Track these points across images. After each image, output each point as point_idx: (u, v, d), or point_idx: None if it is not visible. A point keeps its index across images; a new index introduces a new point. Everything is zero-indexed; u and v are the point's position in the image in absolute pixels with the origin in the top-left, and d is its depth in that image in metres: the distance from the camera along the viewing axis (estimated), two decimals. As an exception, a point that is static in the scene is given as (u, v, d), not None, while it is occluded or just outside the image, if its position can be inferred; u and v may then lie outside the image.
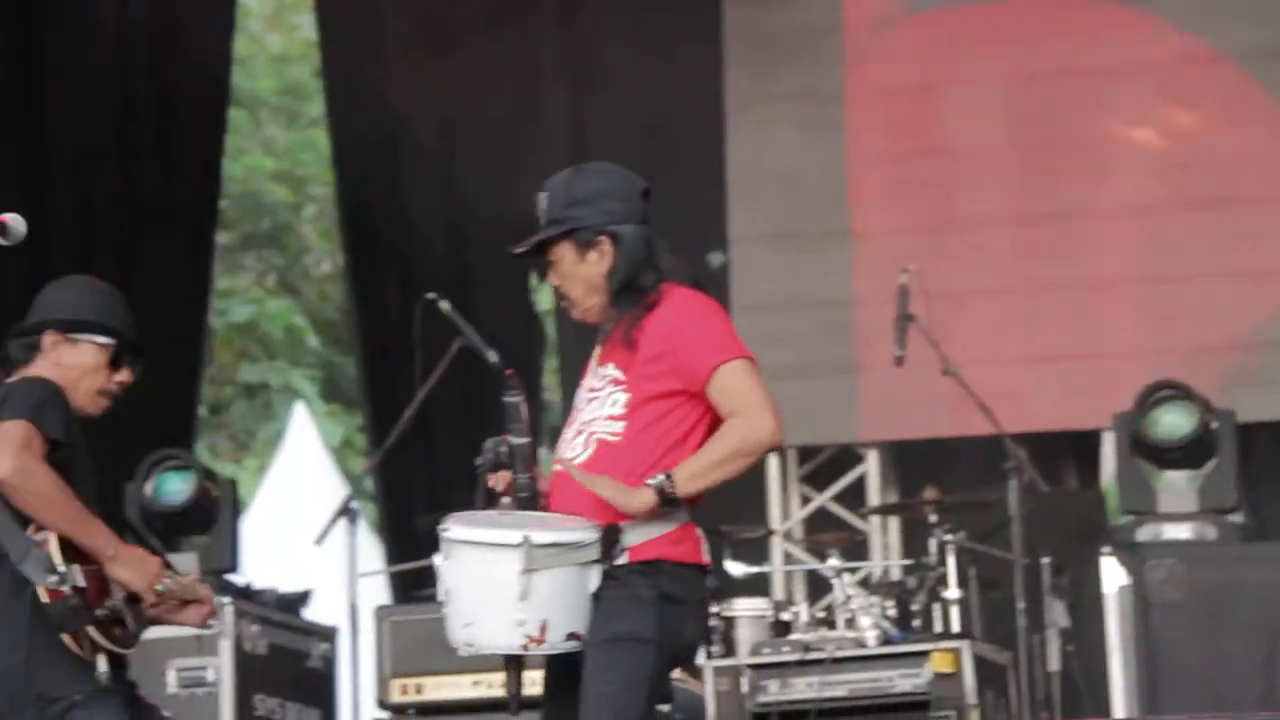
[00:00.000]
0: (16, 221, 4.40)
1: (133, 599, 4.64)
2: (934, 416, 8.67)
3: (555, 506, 4.53)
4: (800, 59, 9.20)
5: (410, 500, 9.42)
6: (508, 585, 4.29)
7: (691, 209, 8.62)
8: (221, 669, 7.11)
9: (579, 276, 4.60)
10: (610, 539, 4.42)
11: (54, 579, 4.49)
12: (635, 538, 4.44)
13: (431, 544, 6.28)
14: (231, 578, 7.55)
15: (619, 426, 4.50)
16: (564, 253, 4.60)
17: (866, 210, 9.12)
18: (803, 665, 6.62)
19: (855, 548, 8.16)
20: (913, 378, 7.48)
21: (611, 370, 4.56)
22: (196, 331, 9.74)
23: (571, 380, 9.70)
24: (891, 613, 7.14)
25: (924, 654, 6.54)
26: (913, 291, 7.15)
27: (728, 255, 9.13)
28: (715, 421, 4.49)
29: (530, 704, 4.52)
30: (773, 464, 9.23)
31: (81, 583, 4.52)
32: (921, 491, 7.63)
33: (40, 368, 4.77)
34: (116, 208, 9.44)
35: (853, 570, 7.35)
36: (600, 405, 4.55)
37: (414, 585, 8.07)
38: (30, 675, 4.55)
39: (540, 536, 4.32)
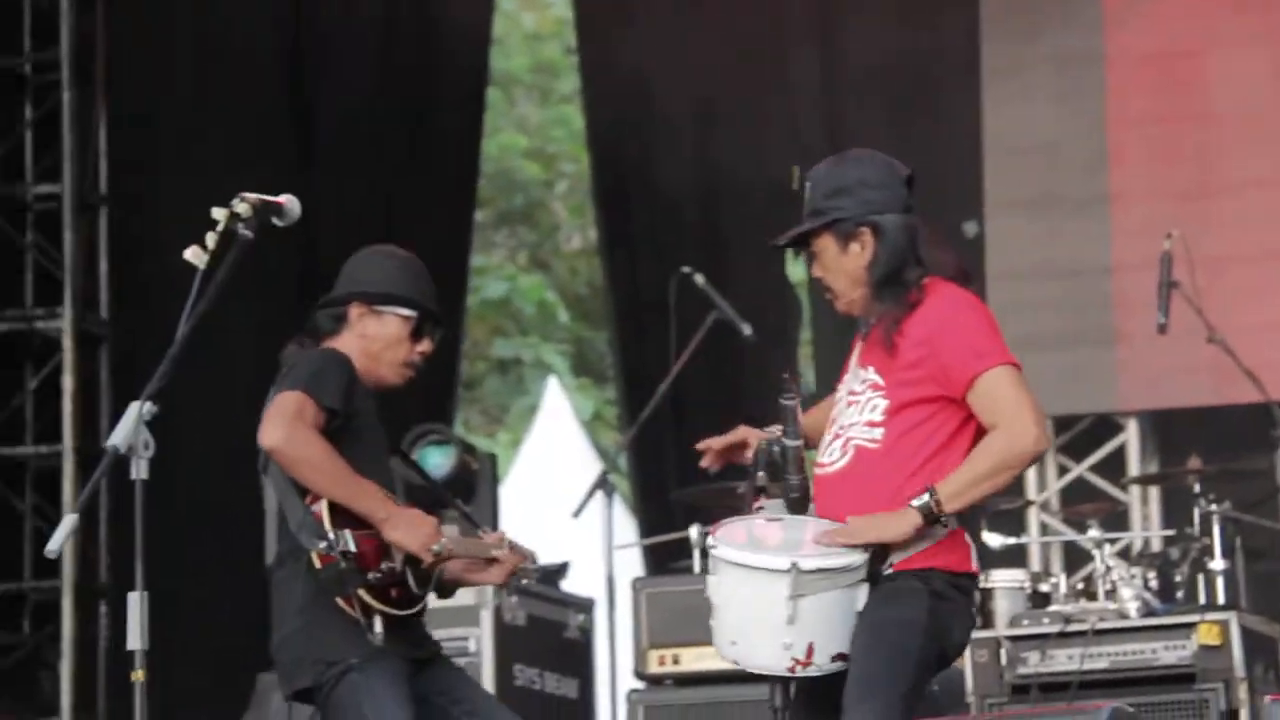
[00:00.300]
0: (292, 203, 4.55)
1: (417, 561, 4.73)
2: (1197, 384, 8.53)
3: (821, 511, 4.50)
4: (1059, 24, 9.06)
5: (662, 474, 9.49)
6: (775, 609, 4.29)
7: (945, 177, 8.57)
8: (482, 639, 7.23)
9: (842, 269, 4.53)
10: (878, 558, 4.38)
11: (323, 545, 4.59)
12: (903, 552, 4.40)
13: (685, 517, 6.33)
14: (492, 550, 7.66)
15: (878, 434, 4.45)
16: (825, 245, 4.54)
17: (1126, 176, 8.97)
18: (1063, 637, 6.56)
19: (1115, 518, 8.06)
20: (1175, 345, 7.37)
21: (871, 374, 4.50)
22: (456, 308, 9.91)
23: (825, 354, 9.70)
24: (1153, 584, 7.05)
25: (1189, 626, 6.45)
26: (1176, 257, 7.02)
27: (982, 224, 9.05)
28: (981, 427, 4.40)
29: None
30: (1030, 435, 9.12)
31: (352, 547, 4.61)
32: (1184, 460, 7.52)
33: (345, 339, 4.87)
34: (380, 187, 9.66)
35: (1112, 541, 7.28)
36: (859, 410, 4.49)
37: (668, 558, 8.15)
38: (309, 640, 4.68)
39: (809, 563, 4.31)
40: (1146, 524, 8.93)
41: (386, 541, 4.68)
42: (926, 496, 4.34)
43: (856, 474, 4.46)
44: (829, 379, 9.51)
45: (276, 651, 4.79)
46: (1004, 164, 9.11)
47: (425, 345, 4.92)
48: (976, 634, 6.64)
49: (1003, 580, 7.19)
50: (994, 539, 7.26)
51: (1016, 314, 8.74)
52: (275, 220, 4.54)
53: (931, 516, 4.34)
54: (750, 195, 9.05)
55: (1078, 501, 8.26)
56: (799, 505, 4.51)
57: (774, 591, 4.29)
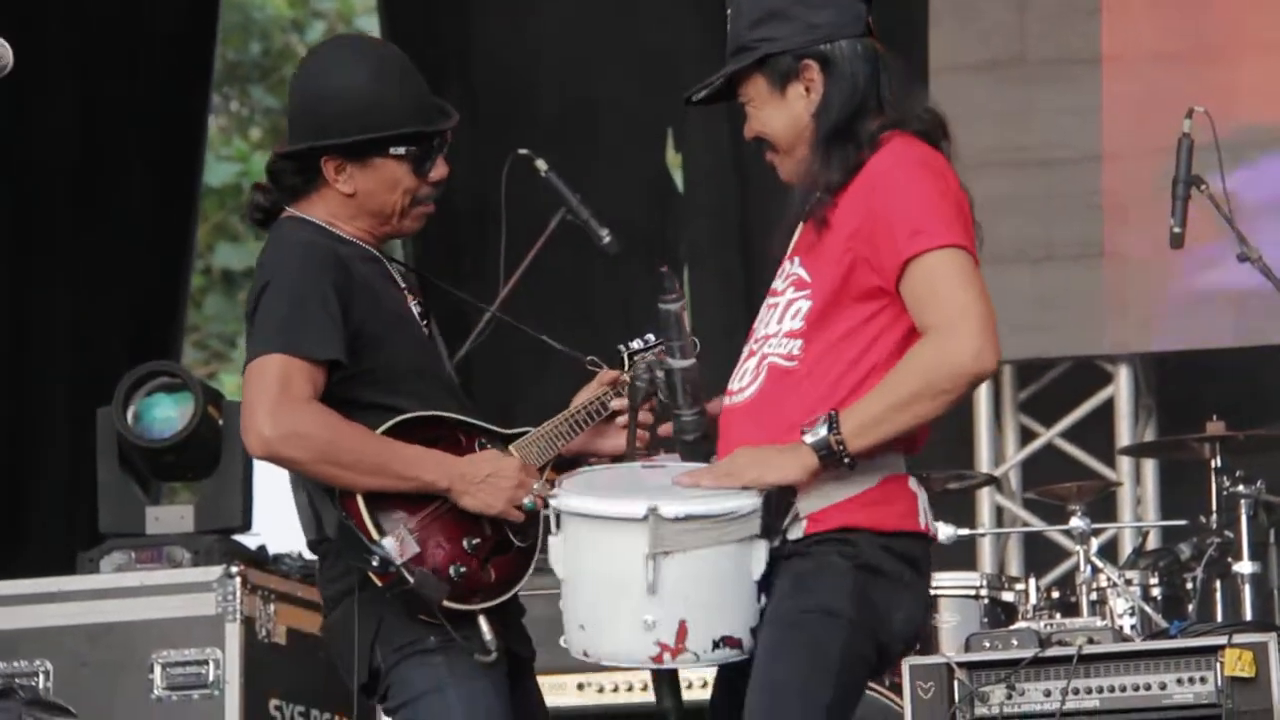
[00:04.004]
0: (2, 48, 4.48)
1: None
2: (1218, 319, 8.68)
3: (723, 452, 4.55)
4: None
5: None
6: (631, 573, 4.34)
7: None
8: (225, 663, 7.20)
9: (781, 121, 4.59)
10: (779, 505, 4.43)
11: (375, 563, 4.60)
12: (816, 501, 4.46)
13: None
14: (240, 539, 7.66)
15: (796, 346, 4.51)
16: (757, 91, 4.61)
17: (1125, 26, 9.04)
18: (1039, 665, 6.65)
19: (1101, 503, 8.19)
20: (1191, 264, 7.47)
21: (796, 267, 4.57)
22: (186, 196, 9.86)
23: (705, 272, 9.72)
24: (1157, 593, 7.18)
25: (1211, 651, 6.55)
26: (1199, 142, 7.05)
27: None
28: None
29: (694, 712, 4.58)
30: (983, 386, 9.22)
31: (414, 548, 4.62)
32: (1197, 424, 7.64)
33: (326, 201, 4.83)
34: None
35: (1097, 533, 7.38)
36: (778, 316, 4.56)
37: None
38: (368, 619, 4.70)
39: (674, 507, 4.35)
40: (1142, 510, 9.06)
41: (463, 510, 4.70)
42: (824, 427, 4.39)
43: (767, 403, 4.52)
44: (707, 314, 9.62)
45: (328, 632, 4.83)
46: (956, 9, 9.15)
47: (439, 170, 4.89)
48: (916, 660, 6.75)
49: (952, 585, 7.29)
50: (939, 529, 7.32)
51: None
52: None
53: (831, 455, 4.39)
54: (619, 51, 9.05)
55: (1050, 480, 8.36)
56: (696, 450, 4.58)
57: (628, 549, 4.34)
